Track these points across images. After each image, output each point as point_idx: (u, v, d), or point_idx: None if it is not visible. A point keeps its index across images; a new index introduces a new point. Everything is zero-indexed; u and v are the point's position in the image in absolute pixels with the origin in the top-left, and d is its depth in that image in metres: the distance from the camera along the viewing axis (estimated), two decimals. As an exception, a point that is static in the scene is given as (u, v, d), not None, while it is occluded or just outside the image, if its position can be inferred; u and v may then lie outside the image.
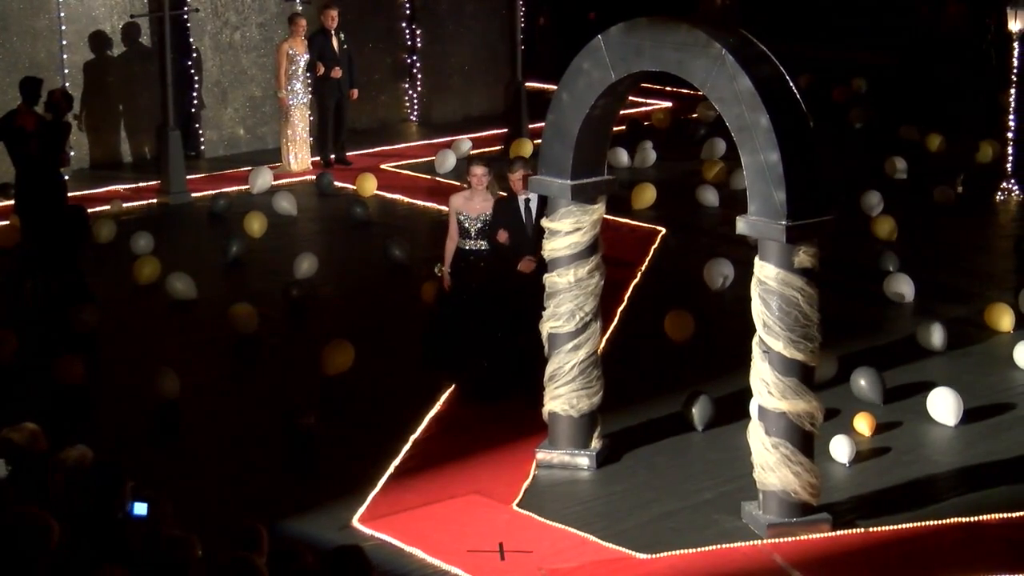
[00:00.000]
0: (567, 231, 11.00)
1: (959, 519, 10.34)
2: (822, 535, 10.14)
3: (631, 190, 18.33)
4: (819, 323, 10.04)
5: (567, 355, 11.11)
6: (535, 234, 11.86)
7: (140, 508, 7.57)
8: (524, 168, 12.43)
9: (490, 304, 12.41)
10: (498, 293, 12.40)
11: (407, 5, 23.11)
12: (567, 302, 11.07)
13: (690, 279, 15.46)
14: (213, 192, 18.92)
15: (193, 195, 18.89)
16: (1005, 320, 14.10)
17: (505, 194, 12.62)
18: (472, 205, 12.61)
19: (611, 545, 10.00)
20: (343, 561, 7.02)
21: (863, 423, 11.82)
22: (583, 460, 11.22)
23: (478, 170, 12.67)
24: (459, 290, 12.60)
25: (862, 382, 12.46)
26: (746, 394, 10.61)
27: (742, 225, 10.05)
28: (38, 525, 6.82)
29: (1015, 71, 18.80)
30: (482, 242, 12.51)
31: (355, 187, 19.13)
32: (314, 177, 19.71)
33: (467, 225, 12.57)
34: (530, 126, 21.01)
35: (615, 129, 11.59)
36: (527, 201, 12.29)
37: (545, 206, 11.49)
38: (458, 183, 19.58)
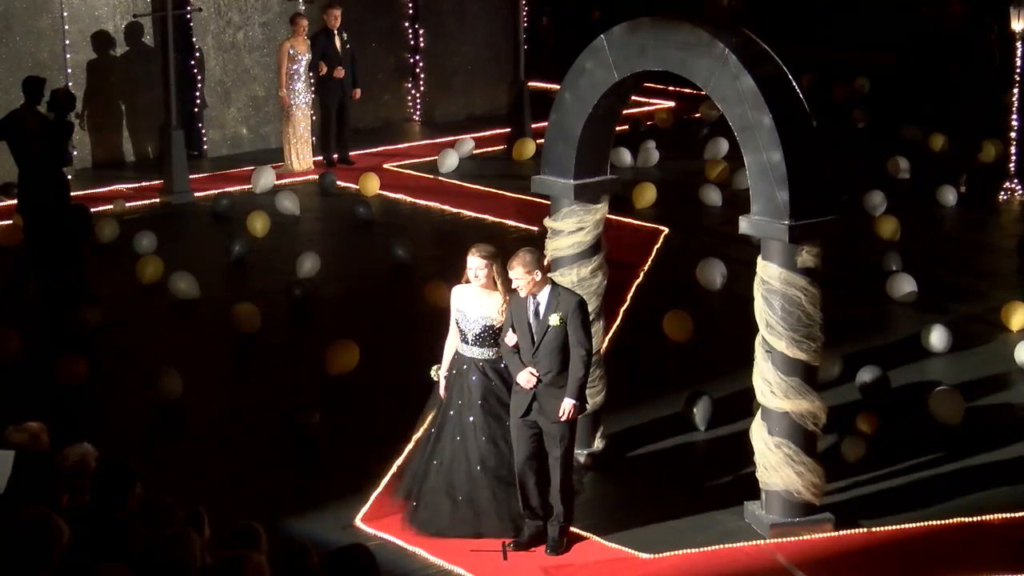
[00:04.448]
0: (570, 231, 10.98)
1: (962, 519, 10.33)
2: (825, 535, 10.13)
3: (632, 190, 18.32)
4: (822, 323, 10.04)
5: (569, 355, 11.08)
6: (543, 343, 9.65)
7: None
8: (529, 264, 9.58)
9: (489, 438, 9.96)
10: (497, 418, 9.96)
11: (410, 4, 23.11)
12: (570, 302, 11.03)
13: (693, 279, 15.44)
14: (216, 191, 18.91)
15: (196, 194, 18.88)
16: (1020, 318, 14.07)
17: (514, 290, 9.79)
18: (472, 304, 9.89)
19: (614, 545, 9.99)
20: (349, 561, 6.99)
21: (864, 423, 11.82)
22: (585, 460, 11.20)
23: (475, 261, 9.81)
24: (448, 407, 10.08)
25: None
26: (749, 393, 10.60)
27: (745, 225, 10.04)
28: (47, 527, 6.79)
29: (1018, 71, 18.80)
30: (479, 350, 9.91)
31: (358, 187, 19.12)
32: (317, 176, 19.70)
33: (463, 326, 9.94)
34: (533, 126, 21.03)
35: (618, 128, 11.57)
36: (536, 304, 9.71)
37: (558, 308, 9.62)
38: (459, 183, 19.71)
